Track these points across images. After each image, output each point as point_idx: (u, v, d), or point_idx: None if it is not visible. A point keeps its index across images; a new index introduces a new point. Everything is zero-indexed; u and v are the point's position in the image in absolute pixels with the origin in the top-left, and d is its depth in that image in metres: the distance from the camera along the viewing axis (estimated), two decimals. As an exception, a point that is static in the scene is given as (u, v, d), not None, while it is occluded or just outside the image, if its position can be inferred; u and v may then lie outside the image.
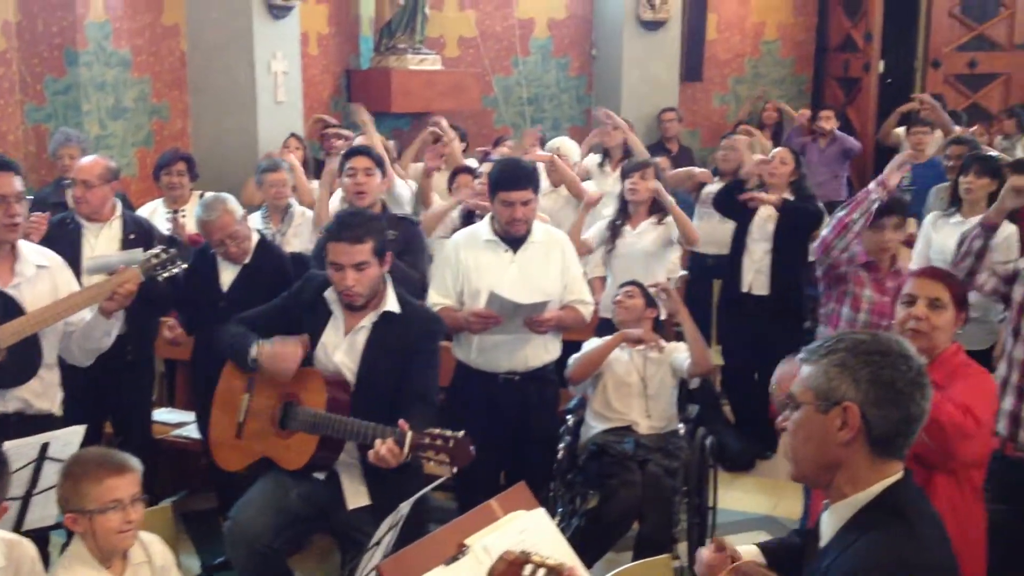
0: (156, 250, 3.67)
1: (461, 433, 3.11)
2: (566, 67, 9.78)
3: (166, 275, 3.65)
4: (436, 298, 4.18)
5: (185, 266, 3.74)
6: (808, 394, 1.96)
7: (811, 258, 6.12)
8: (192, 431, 4.86)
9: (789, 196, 5.68)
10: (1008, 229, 4.75)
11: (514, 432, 4.18)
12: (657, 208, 5.42)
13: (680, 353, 4.50)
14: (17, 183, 3.46)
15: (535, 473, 3.99)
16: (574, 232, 5.30)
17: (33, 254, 3.57)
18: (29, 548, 2.59)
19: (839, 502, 1.96)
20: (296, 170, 6.15)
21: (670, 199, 5.35)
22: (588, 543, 4.07)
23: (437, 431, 3.12)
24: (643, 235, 5.42)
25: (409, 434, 3.13)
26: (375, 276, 3.53)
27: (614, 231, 5.46)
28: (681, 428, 4.54)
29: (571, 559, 2.24)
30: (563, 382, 4.59)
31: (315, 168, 6.81)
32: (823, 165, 8.44)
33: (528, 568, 1.84)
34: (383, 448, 3.14)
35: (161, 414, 5.13)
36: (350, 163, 4.70)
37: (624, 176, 6.21)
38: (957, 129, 7.87)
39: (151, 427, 4.81)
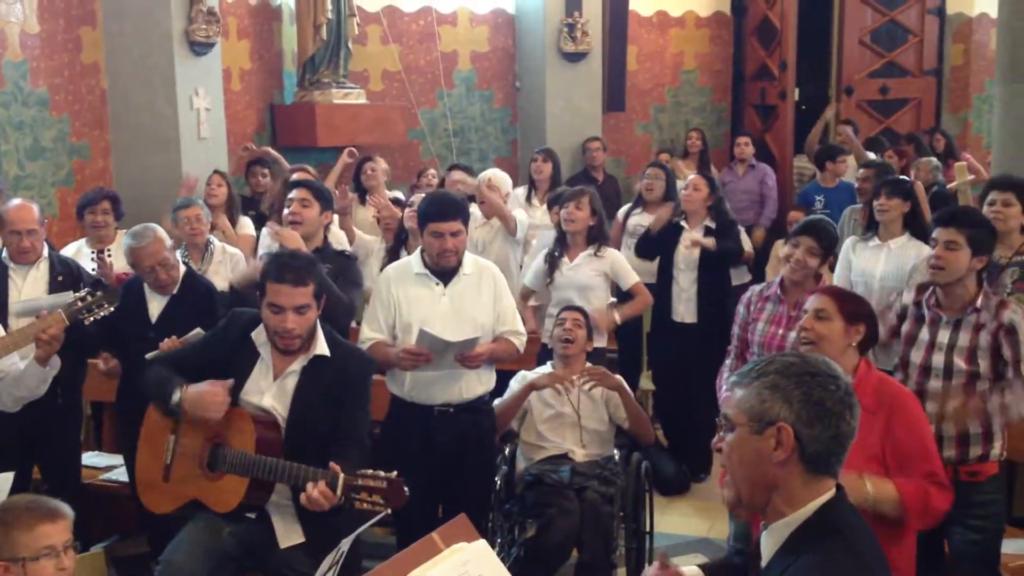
0: (82, 293, 3.63)
1: (394, 474, 3.10)
2: (490, 99, 9.86)
3: (92, 318, 3.60)
4: (368, 333, 4.17)
5: (112, 308, 3.69)
6: (742, 416, 2.00)
7: (735, 283, 6.28)
8: (121, 474, 4.77)
9: (710, 222, 5.81)
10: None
11: (450, 464, 4.17)
12: (594, 239, 5.45)
13: (619, 406, 4.54)
14: None
15: (473, 505, 3.99)
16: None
17: None
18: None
19: (776, 522, 2.01)
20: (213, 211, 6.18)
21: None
22: (528, 572, 4.09)
23: (370, 472, 3.11)
24: (580, 267, 5.43)
25: (342, 476, 3.11)
26: (313, 319, 3.51)
27: (552, 263, 5.48)
28: (616, 453, 4.58)
29: (515, 589, 2.26)
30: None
31: (241, 205, 6.77)
32: (742, 191, 8.66)
33: None
34: (315, 491, 3.13)
35: (89, 458, 5.03)
36: (290, 194, 4.64)
37: (551, 207, 6.31)
38: (870, 155, 8.15)
39: (80, 472, 4.71)
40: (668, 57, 10.41)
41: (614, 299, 5.58)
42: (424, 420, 4.16)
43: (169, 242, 4.48)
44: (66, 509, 2.65)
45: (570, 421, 4.52)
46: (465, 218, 4.21)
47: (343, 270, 4.56)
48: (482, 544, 2.33)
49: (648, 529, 4.56)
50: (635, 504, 4.43)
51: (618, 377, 4.60)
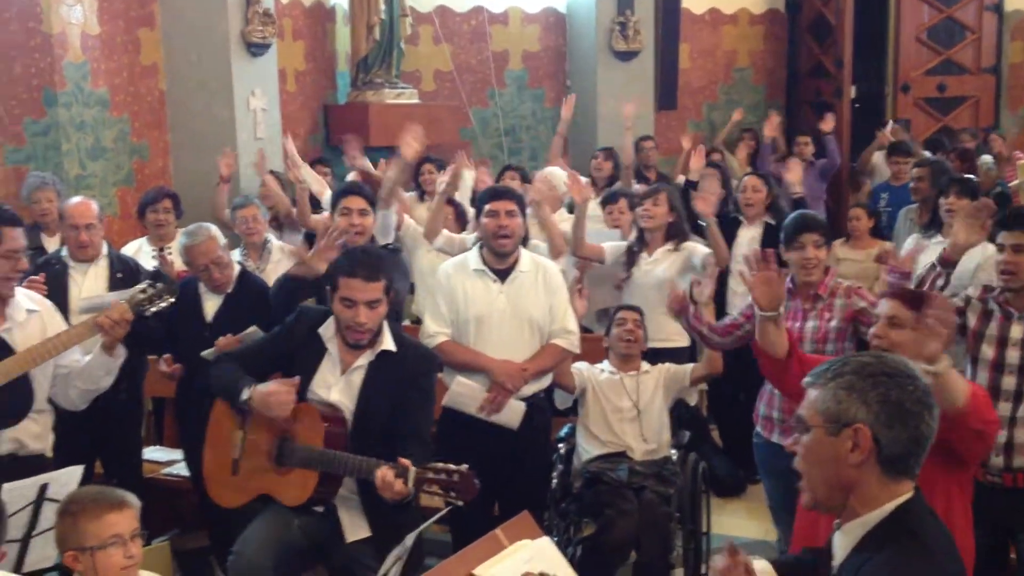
0: (143, 285, 3.65)
1: (464, 467, 3.10)
2: (541, 98, 9.86)
3: (154, 309, 3.63)
4: (434, 327, 4.18)
5: (173, 300, 3.71)
6: (817, 417, 1.98)
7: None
8: (181, 469, 4.82)
9: (770, 219, 5.75)
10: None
11: (506, 462, 4.18)
12: (673, 234, 5.34)
13: (677, 368, 4.52)
14: (23, 238, 3.49)
15: (529, 503, 3.94)
16: (575, 232, 5.36)
17: (24, 299, 3.56)
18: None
19: (851, 522, 1.98)
20: (271, 186, 6.24)
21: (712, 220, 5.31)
22: (586, 572, 4.07)
23: (440, 465, 3.12)
24: (659, 262, 5.31)
25: (413, 469, 3.12)
26: (383, 314, 3.53)
27: (631, 258, 5.40)
28: (674, 454, 4.55)
29: (580, 586, 2.25)
30: (555, 411, 4.60)
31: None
32: (802, 188, 8.52)
33: None
34: (390, 473, 3.14)
35: (150, 452, 5.09)
36: (344, 202, 4.55)
37: (604, 205, 6.28)
38: (926, 153, 8.02)
39: (141, 466, 4.78)
40: (721, 55, 10.34)
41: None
42: (480, 418, 4.16)
43: (223, 241, 4.52)
44: (132, 499, 2.68)
45: (629, 416, 4.49)
46: (522, 204, 4.26)
47: (392, 263, 4.55)
48: (545, 541, 2.33)
49: (705, 530, 4.53)
50: (692, 505, 4.40)
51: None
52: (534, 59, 9.78)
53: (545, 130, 9.87)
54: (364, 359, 3.56)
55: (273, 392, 3.43)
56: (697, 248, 5.33)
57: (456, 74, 9.44)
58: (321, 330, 3.61)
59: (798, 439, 2.03)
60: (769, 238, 5.63)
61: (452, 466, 3.11)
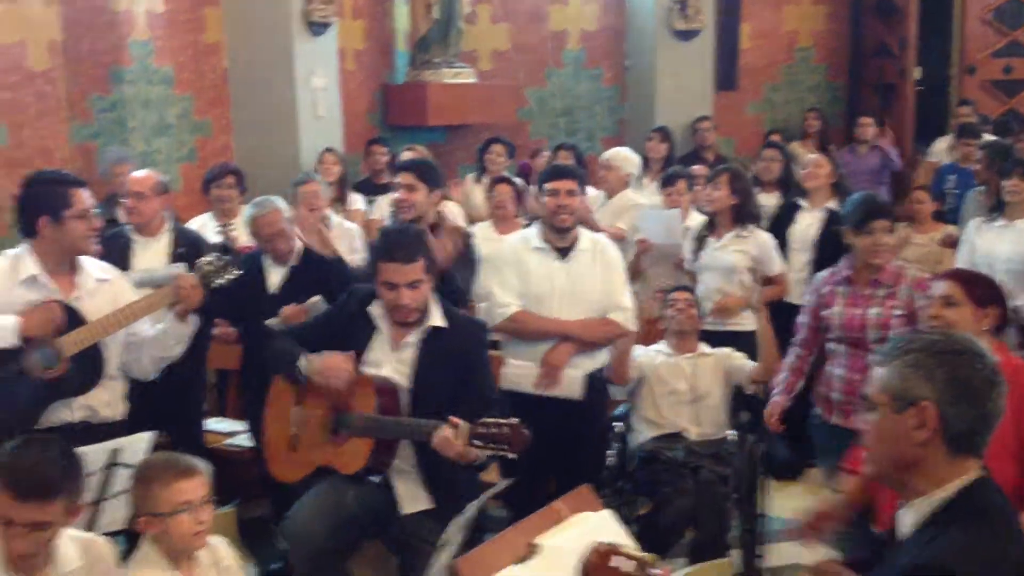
0: (210, 257, 3.72)
1: (515, 420, 3.13)
2: (599, 78, 9.81)
3: (220, 281, 3.69)
4: (505, 298, 4.21)
5: (239, 272, 3.77)
6: (883, 396, 1.97)
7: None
8: (244, 440, 4.91)
9: (835, 205, 5.65)
10: None
11: (564, 439, 4.20)
12: (740, 217, 5.25)
13: (736, 360, 4.50)
14: (92, 197, 3.57)
15: (584, 480, 3.99)
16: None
17: (94, 268, 3.64)
18: (104, 547, 2.66)
19: (917, 500, 1.97)
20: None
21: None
22: (641, 550, 4.08)
23: (491, 420, 3.15)
24: (726, 247, 5.26)
25: (465, 425, 3.15)
26: (427, 292, 3.57)
27: (699, 242, 5.36)
28: (731, 435, 4.53)
29: (642, 559, 2.25)
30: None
31: (353, 184, 6.92)
32: (864, 173, 8.41)
33: (617, 559, 1.87)
34: (444, 430, 3.19)
35: (213, 423, 5.18)
36: (396, 178, 4.66)
37: (663, 186, 6.25)
38: (988, 137, 7.86)
39: (203, 436, 4.87)
40: (782, 34, 10.20)
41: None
42: (537, 395, 4.19)
43: (288, 214, 4.59)
44: (202, 465, 2.74)
45: (685, 398, 4.49)
46: (581, 182, 4.30)
47: (459, 251, 4.58)
48: (607, 514, 2.34)
49: (762, 512, 4.51)
50: (750, 486, 4.38)
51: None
52: (592, 39, 9.74)
53: (602, 110, 9.84)
54: (415, 336, 3.59)
55: (330, 360, 3.49)
56: (764, 243, 5.26)
57: (514, 54, 9.43)
58: (371, 308, 3.64)
59: (864, 417, 2.03)
60: (829, 227, 5.55)
61: (502, 419, 3.14)
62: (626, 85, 9.76)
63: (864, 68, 10.20)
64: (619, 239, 5.41)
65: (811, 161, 5.81)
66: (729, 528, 4.26)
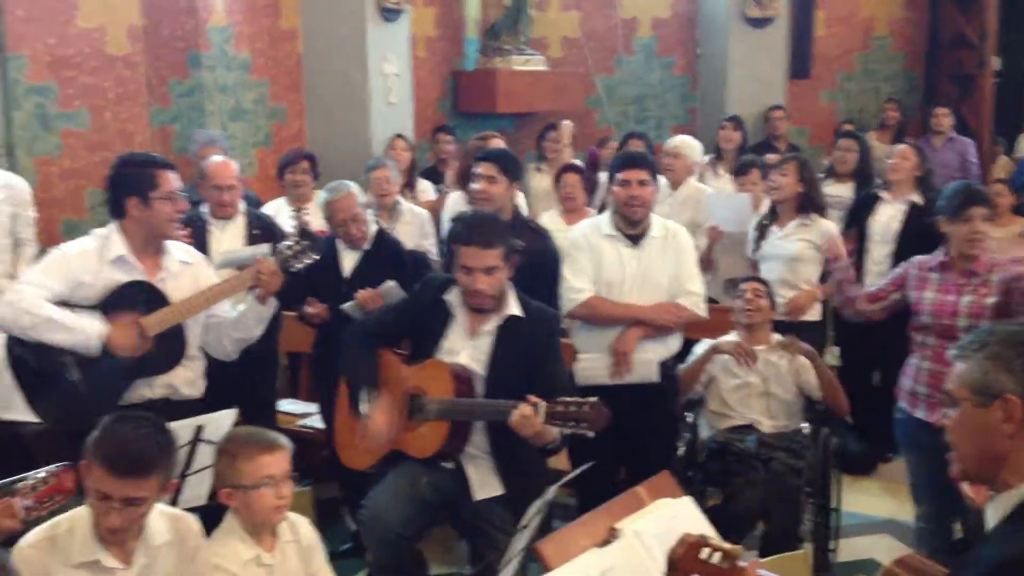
0: (290, 241, 3.77)
1: (594, 399, 3.12)
2: (670, 66, 9.73)
3: (299, 265, 3.74)
4: (578, 283, 4.19)
5: (317, 257, 3.81)
6: (964, 390, 1.95)
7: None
8: (315, 422, 4.97)
9: (917, 198, 5.54)
10: None
11: (633, 429, 4.18)
12: (804, 207, 5.17)
13: (810, 375, 4.44)
14: (179, 179, 3.63)
15: (654, 471, 3.98)
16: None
17: (179, 251, 3.71)
18: (193, 523, 2.71)
19: (1004, 493, 1.94)
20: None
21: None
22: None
23: (570, 399, 3.15)
24: (789, 236, 5.19)
25: (543, 403, 3.16)
26: (503, 280, 3.57)
27: (762, 231, 5.31)
28: (805, 427, 4.48)
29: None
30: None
31: (422, 170, 6.96)
32: (939, 166, 8.21)
33: (706, 551, 1.86)
34: (524, 407, 3.19)
35: (285, 405, 5.26)
36: (475, 168, 4.60)
37: (737, 176, 6.20)
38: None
39: (275, 417, 4.94)
40: (858, 22, 10.01)
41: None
42: (607, 384, 4.18)
43: (362, 198, 4.63)
44: (285, 441, 2.79)
45: (757, 391, 4.45)
46: (654, 173, 4.24)
47: (538, 250, 4.44)
48: (688, 500, 2.33)
49: (835, 506, 4.46)
50: (823, 479, 4.33)
51: (807, 345, 4.49)
52: (664, 26, 9.66)
53: (673, 99, 9.76)
54: (491, 324, 3.60)
55: (384, 430, 3.54)
56: (828, 231, 5.15)
57: (584, 41, 9.39)
58: (448, 296, 3.66)
59: (946, 413, 2.01)
60: (912, 221, 5.45)
61: (581, 399, 3.13)
62: (697, 73, 9.67)
63: (942, 58, 9.98)
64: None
65: (897, 152, 5.68)
66: (801, 521, 4.22)
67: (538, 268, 4.27)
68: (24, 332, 3.39)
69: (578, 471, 2.87)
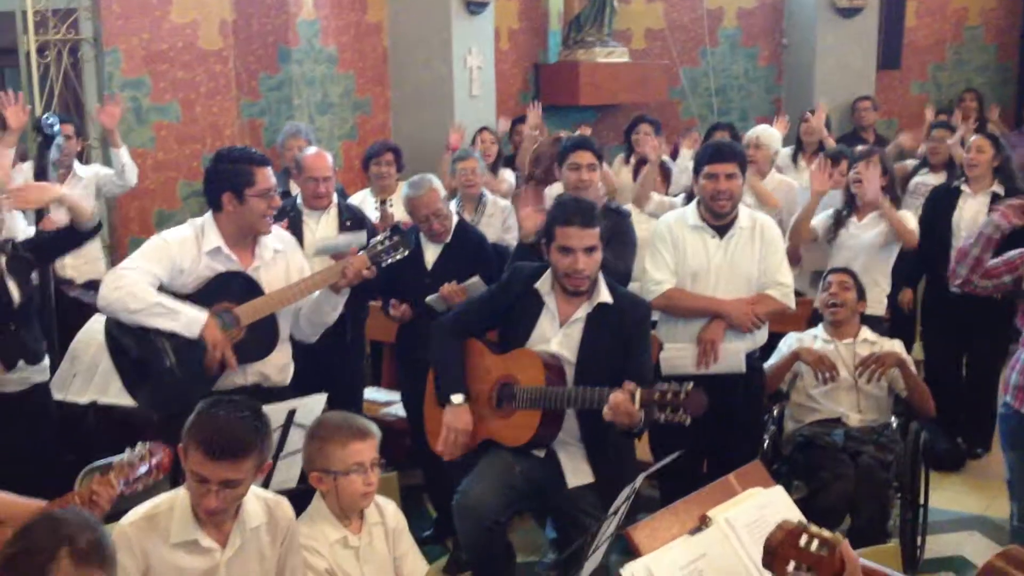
0: (381, 236, 3.82)
1: (690, 385, 3.11)
2: (755, 57, 9.61)
3: (390, 261, 3.79)
4: (658, 275, 4.18)
5: (406, 253, 3.85)
6: None
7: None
8: (398, 410, 5.04)
9: (998, 188, 5.42)
10: None
11: (718, 421, 4.14)
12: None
13: (899, 380, 4.38)
14: (273, 177, 3.67)
15: (737, 463, 3.94)
16: (803, 220, 5.22)
17: (271, 238, 3.77)
18: (287, 508, 2.75)
19: None
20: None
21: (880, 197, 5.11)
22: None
23: (667, 386, 3.13)
24: (867, 227, 5.14)
25: (639, 390, 3.16)
26: (600, 260, 3.58)
27: (839, 221, 5.24)
28: (894, 421, 4.40)
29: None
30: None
31: (506, 161, 6.98)
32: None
33: (804, 538, 1.84)
34: (619, 395, 3.18)
35: (369, 393, 5.34)
36: (573, 157, 4.46)
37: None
38: None
39: (362, 405, 5.02)
40: (950, 12, 9.76)
41: None
42: (699, 375, 4.14)
43: (444, 193, 4.67)
44: (375, 428, 2.83)
45: (846, 385, 4.38)
46: (742, 163, 4.18)
47: (616, 229, 4.41)
48: (779, 490, 2.32)
49: (922, 502, 4.37)
50: (912, 474, 4.25)
51: (895, 349, 4.40)
52: (749, 16, 9.54)
53: (757, 90, 9.64)
54: (582, 311, 3.60)
55: (463, 426, 3.58)
56: (905, 216, 5.09)
57: (668, 32, 9.33)
58: (537, 285, 3.66)
59: None
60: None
61: (678, 386, 3.12)
62: (783, 64, 9.53)
63: (1037, 48, 9.68)
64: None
65: (973, 145, 5.54)
66: (889, 516, 4.15)
67: (613, 246, 4.24)
68: (129, 316, 3.47)
69: (668, 459, 2.86)
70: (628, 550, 2.26)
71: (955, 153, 6.34)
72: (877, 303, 5.03)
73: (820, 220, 5.30)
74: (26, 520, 2.13)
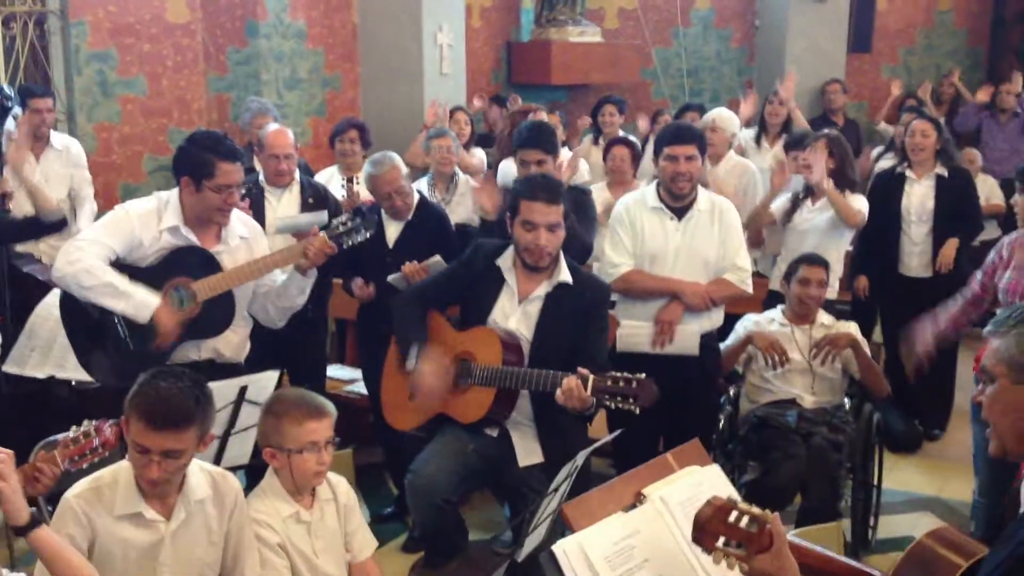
0: (344, 217, 3.80)
1: (642, 375, 3.14)
2: (728, 38, 9.63)
3: (351, 242, 3.77)
4: (616, 258, 4.21)
5: (369, 235, 3.83)
6: (1001, 366, 1.95)
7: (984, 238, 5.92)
8: (361, 388, 5.05)
9: (942, 170, 5.47)
10: None
11: (674, 400, 4.18)
12: (837, 184, 5.10)
13: (852, 362, 4.41)
14: (239, 172, 3.61)
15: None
16: (761, 207, 5.29)
17: (238, 224, 3.75)
18: (233, 482, 2.76)
19: None
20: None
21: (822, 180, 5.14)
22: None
23: (619, 374, 3.16)
24: (820, 211, 5.15)
25: (592, 377, 3.17)
26: (562, 239, 3.60)
27: (795, 205, 5.25)
28: (847, 403, 4.46)
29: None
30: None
31: (479, 140, 6.99)
32: (1004, 141, 8.08)
33: (734, 514, 1.86)
34: (572, 381, 3.19)
35: (333, 370, 5.34)
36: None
37: (788, 151, 6.11)
38: None
39: (325, 382, 5.03)
40: (921, -4, 9.83)
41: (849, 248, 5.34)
42: (649, 355, 4.18)
43: (405, 170, 4.66)
44: (330, 407, 2.85)
45: (800, 367, 4.42)
46: (702, 147, 4.21)
47: (579, 204, 4.45)
48: (716, 468, 2.35)
49: (876, 483, 4.44)
50: (864, 455, 4.31)
51: (849, 331, 4.45)
52: (722, -2, 9.57)
53: (729, 71, 9.67)
54: (542, 289, 3.63)
55: (430, 384, 3.57)
56: (863, 206, 5.12)
57: (640, 12, 9.33)
58: (499, 261, 3.69)
59: (983, 390, 2.00)
60: (943, 193, 5.40)
61: (630, 375, 3.15)
62: (755, 46, 9.55)
63: (1006, 34, 9.74)
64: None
65: (916, 129, 5.52)
66: (841, 497, 4.20)
67: (583, 220, 4.30)
68: (81, 292, 3.46)
69: (609, 438, 2.90)
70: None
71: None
72: (829, 286, 5.04)
73: (779, 203, 5.34)
74: None
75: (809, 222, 5.19)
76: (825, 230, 5.13)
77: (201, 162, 3.52)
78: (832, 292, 5.07)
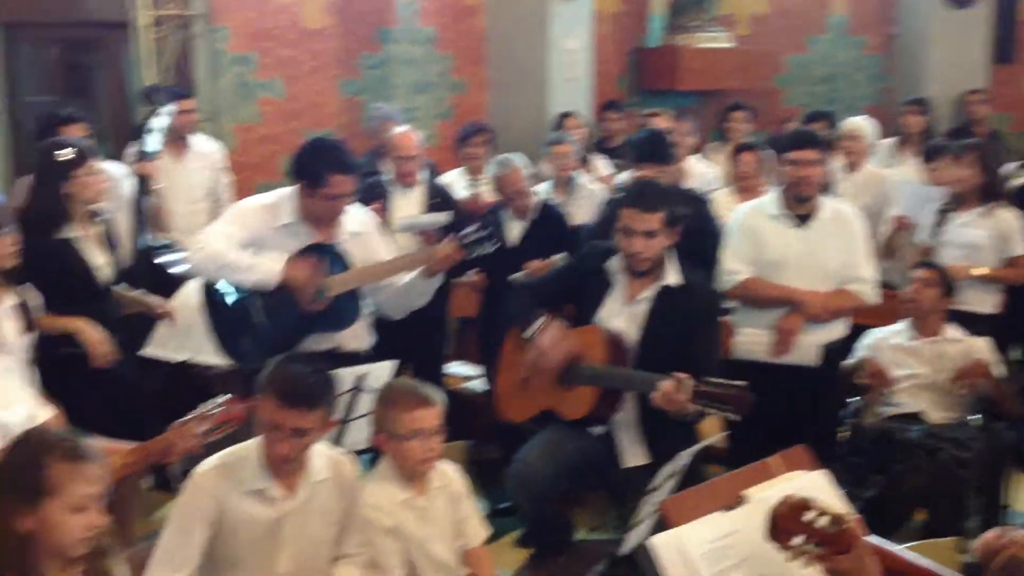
0: (473, 227, 3.86)
1: (742, 383, 3.12)
2: (863, 45, 9.38)
3: (480, 252, 3.84)
4: (734, 265, 4.19)
5: (493, 249, 3.86)
6: None
7: None
8: (480, 384, 5.14)
9: None
10: None
11: (794, 410, 4.12)
12: (985, 196, 4.90)
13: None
14: (351, 184, 3.72)
15: (815, 454, 3.92)
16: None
17: (351, 220, 3.85)
18: (349, 465, 2.89)
19: None
20: None
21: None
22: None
23: (717, 380, 3.16)
24: (968, 225, 4.93)
25: (690, 382, 3.18)
26: (661, 245, 3.61)
27: (941, 218, 5.06)
28: (976, 420, 4.30)
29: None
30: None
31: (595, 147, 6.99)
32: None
33: (810, 513, 1.85)
34: (668, 384, 3.21)
35: (454, 367, 5.45)
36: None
37: (928, 160, 5.92)
38: None
39: (442, 378, 5.13)
40: (1069, 4, 9.37)
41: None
42: (770, 364, 4.14)
43: (528, 171, 4.79)
44: (439, 397, 2.93)
45: (926, 381, 4.30)
46: (823, 150, 4.19)
47: (700, 218, 4.43)
48: (820, 474, 2.32)
49: (1004, 503, 4.27)
50: (993, 474, 4.16)
51: (983, 353, 4.30)
52: (859, 4, 9.31)
53: (864, 80, 9.41)
54: (649, 292, 3.65)
55: (544, 345, 3.61)
56: (1009, 222, 4.87)
57: (773, 18, 9.18)
58: (609, 263, 3.74)
59: None
60: None
61: (728, 381, 3.13)
62: (892, 54, 9.28)
63: None
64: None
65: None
66: (967, 516, 4.05)
67: (695, 233, 4.22)
68: (213, 274, 3.70)
69: (715, 439, 2.90)
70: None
71: None
72: (980, 302, 4.85)
73: (924, 220, 5.17)
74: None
75: (958, 235, 4.96)
76: (975, 246, 4.88)
77: (315, 171, 3.65)
78: (987, 305, 4.89)
